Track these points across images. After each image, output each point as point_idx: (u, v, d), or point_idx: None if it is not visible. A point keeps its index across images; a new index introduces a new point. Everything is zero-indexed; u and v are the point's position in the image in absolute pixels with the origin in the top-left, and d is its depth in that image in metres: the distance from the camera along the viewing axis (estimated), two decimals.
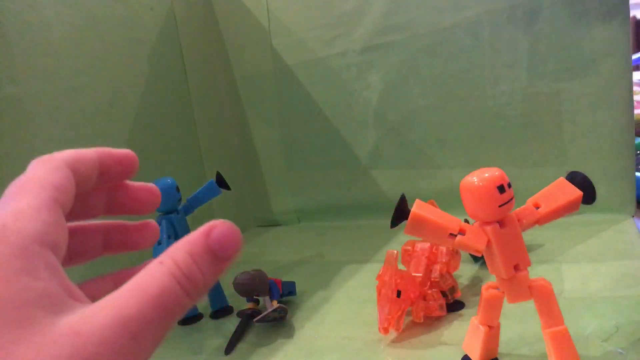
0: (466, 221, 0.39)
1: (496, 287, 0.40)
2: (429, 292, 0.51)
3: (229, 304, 0.63)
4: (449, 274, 0.54)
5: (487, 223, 0.37)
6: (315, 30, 0.88)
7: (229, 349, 0.53)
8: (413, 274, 0.52)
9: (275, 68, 0.93)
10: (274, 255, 0.83)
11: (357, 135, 0.90)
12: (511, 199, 0.36)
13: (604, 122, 0.73)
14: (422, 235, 0.38)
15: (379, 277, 0.51)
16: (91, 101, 0.68)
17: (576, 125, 0.75)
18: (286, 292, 0.61)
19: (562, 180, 0.39)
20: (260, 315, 0.54)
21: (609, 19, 0.70)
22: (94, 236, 0.23)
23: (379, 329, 0.49)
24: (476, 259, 0.64)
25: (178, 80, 0.86)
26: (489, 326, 0.41)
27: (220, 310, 0.62)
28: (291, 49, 0.91)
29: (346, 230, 0.89)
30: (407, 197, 0.38)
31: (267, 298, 0.57)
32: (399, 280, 0.49)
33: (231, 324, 0.58)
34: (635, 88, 0.76)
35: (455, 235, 0.37)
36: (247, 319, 0.57)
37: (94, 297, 0.18)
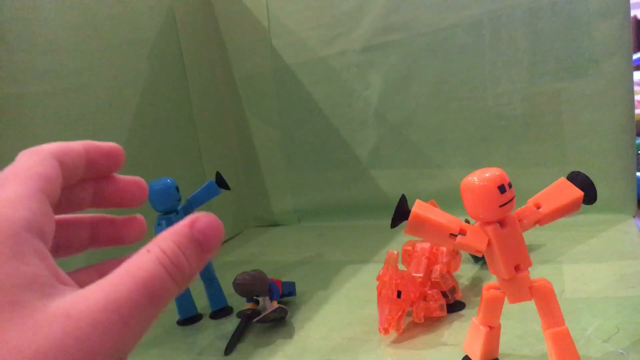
0: (467, 221, 0.39)
1: (497, 288, 0.40)
2: (430, 292, 0.51)
3: (229, 305, 0.63)
4: (449, 274, 0.54)
5: (488, 223, 0.37)
6: (315, 29, 0.88)
7: (228, 350, 0.52)
8: (413, 275, 0.52)
9: (275, 68, 0.93)
10: (273, 255, 0.83)
11: (357, 135, 0.90)
12: (512, 199, 0.36)
13: (605, 122, 0.72)
14: (423, 236, 0.38)
15: (379, 277, 0.51)
16: (90, 101, 0.68)
17: (577, 125, 0.74)
18: (286, 293, 0.61)
19: (563, 180, 0.39)
20: (260, 316, 0.53)
21: (609, 19, 0.70)
22: (81, 229, 0.24)
23: (379, 329, 0.49)
24: (477, 259, 0.64)
25: (177, 80, 0.86)
26: (489, 327, 0.41)
27: (220, 311, 0.62)
28: (291, 49, 0.91)
29: (346, 231, 0.89)
30: (407, 197, 0.38)
31: (267, 298, 0.57)
32: (399, 281, 0.49)
33: (231, 324, 0.58)
34: (636, 88, 0.76)
35: (456, 236, 0.37)
36: (247, 320, 0.56)
37: (79, 286, 0.18)
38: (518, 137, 0.79)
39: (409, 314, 0.51)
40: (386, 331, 0.49)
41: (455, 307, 0.53)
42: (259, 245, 0.89)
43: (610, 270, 0.56)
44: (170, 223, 0.58)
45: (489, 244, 0.37)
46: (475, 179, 0.36)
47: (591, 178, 0.38)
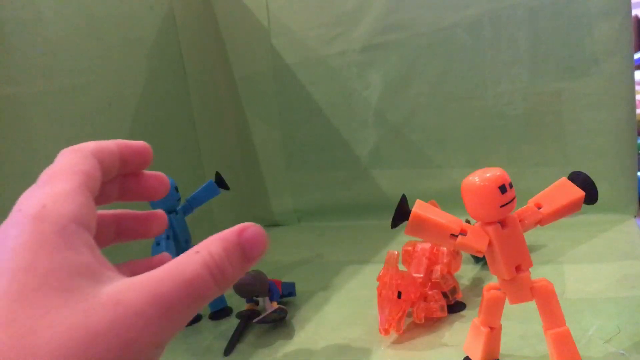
0: (467, 221, 0.39)
1: (498, 288, 0.40)
2: (430, 293, 0.51)
3: (228, 305, 0.62)
4: (450, 274, 0.53)
5: (489, 223, 0.37)
6: (315, 29, 0.88)
7: (228, 350, 0.52)
8: (414, 275, 0.51)
9: (275, 67, 0.92)
10: (273, 255, 0.83)
11: (357, 135, 0.90)
12: (513, 199, 0.36)
13: (606, 121, 0.72)
14: (423, 236, 0.38)
15: (379, 278, 0.50)
16: (90, 100, 0.68)
17: (578, 124, 0.74)
18: (286, 293, 0.61)
19: (564, 180, 0.39)
20: (260, 316, 0.53)
21: (610, 18, 0.70)
22: (108, 224, 0.25)
23: (380, 330, 0.49)
24: (477, 259, 0.63)
25: (177, 80, 0.86)
26: (490, 327, 0.40)
27: (220, 311, 0.62)
28: (291, 48, 0.91)
29: (346, 231, 0.88)
30: (407, 197, 0.37)
31: (267, 299, 0.56)
32: (399, 281, 0.49)
33: (230, 325, 0.58)
34: (637, 87, 0.76)
35: (457, 236, 0.37)
36: (247, 320, 0.56)
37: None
38: (519, 137, 0.78)
39: (410, 314, 0.51)
40: (386, 332, 0.49)
41: (455, 307, 0.53)
42: None
43: (612, 270, 0.56)
44: (169, 223, 0.58)
45: (490, 244, 0.37)
46: (476, 179, 0.36)
47: (592, 178, 0.38)
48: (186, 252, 0.19)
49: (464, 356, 0.43)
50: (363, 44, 0.85)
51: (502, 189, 0.35)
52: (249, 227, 0.20)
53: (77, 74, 0.66)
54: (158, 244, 0.57)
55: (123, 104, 0.73)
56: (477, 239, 0.37)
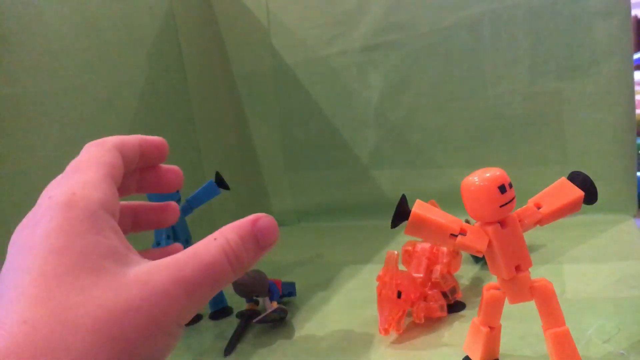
0: (467, 221, 0.39)
1: (497, 288, 0.40)
2: (430, 292, 0.51)
3: (229, 305, 0.62)
4: (449, 274, 0.53)
5: (488, 223, 0.37)
6: (315, 29, 0.88)
7: (228, 350, 0.52)
8: (413, 275, 0.51)
9: (275, 67, 0.92)
10: (273, 255, 0.83)
11: (357, 135, 0.90)
12: (512, 199, 0.36)
13: (606, 121, 0.72)
14: (423, 236, 0.38)
15: (379, 278, 0.50)
16: (90, 100, 0.67)
17: (577, 124, 0.74)
18: (286, 293, 0.61)
19: (563, 180, 0.39)
20: (260, 316, 0.53)
21: (610, 19, 0.70)
22: (126, 214, 0.27)
23: (379, 330, 0.49)
24: (477, 259, 0.63)
25: (177, 79, 0.86)
26: (490, 327, 0.40)
27: (220, 311, 0.62)
28: (291, 48, 0.91)
29: (346, 231, 0.88)
30: (407, 197, 0.37)
31: (267, 299, 0.56)
32: (399, 281, 0.49)
33: (230, 325, 0.58)
34: (637, 87, 0.76)
35: (456, 236, 0.37)
36: (247, 320, 0.56)
37: None
38: (518, 137, 0.78)
39: (409, 314, 0.51)
40: (386, 332, 0.49)
41: (455, 307, 0.53)
42: None
43: (611, 270, 0.56)
44: None
45: (490, 244, 0.37)
46: (476, 179, 0.36)
47: (592, 178, 0.38)
48: (204, 239, 0.21)
49: (464, 356, 0.43)
50: (363, 44, 0.85)
51: (502, 189, 0.35)
52: (262, 217, 0.22)
53: (77, 73, 0.66)
54: (158, 243, 0.57)
55: (123, 103, 0.73)
56: (476, 239, 0.37)
